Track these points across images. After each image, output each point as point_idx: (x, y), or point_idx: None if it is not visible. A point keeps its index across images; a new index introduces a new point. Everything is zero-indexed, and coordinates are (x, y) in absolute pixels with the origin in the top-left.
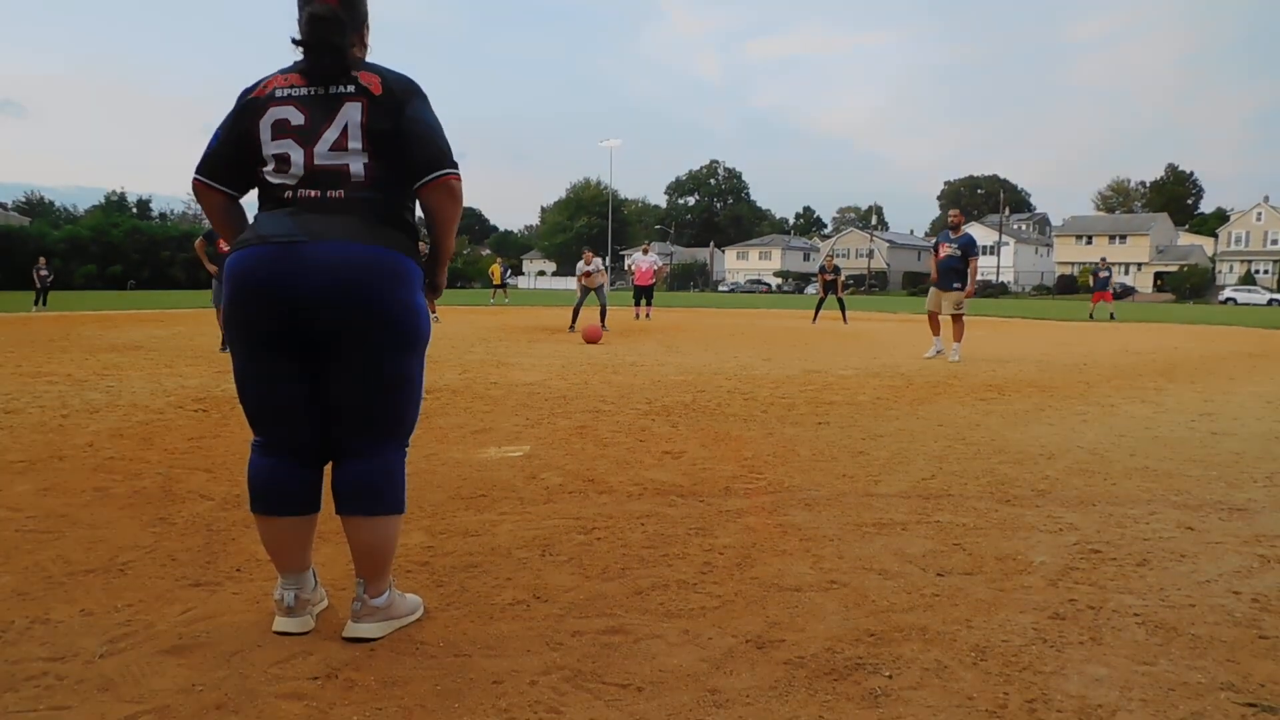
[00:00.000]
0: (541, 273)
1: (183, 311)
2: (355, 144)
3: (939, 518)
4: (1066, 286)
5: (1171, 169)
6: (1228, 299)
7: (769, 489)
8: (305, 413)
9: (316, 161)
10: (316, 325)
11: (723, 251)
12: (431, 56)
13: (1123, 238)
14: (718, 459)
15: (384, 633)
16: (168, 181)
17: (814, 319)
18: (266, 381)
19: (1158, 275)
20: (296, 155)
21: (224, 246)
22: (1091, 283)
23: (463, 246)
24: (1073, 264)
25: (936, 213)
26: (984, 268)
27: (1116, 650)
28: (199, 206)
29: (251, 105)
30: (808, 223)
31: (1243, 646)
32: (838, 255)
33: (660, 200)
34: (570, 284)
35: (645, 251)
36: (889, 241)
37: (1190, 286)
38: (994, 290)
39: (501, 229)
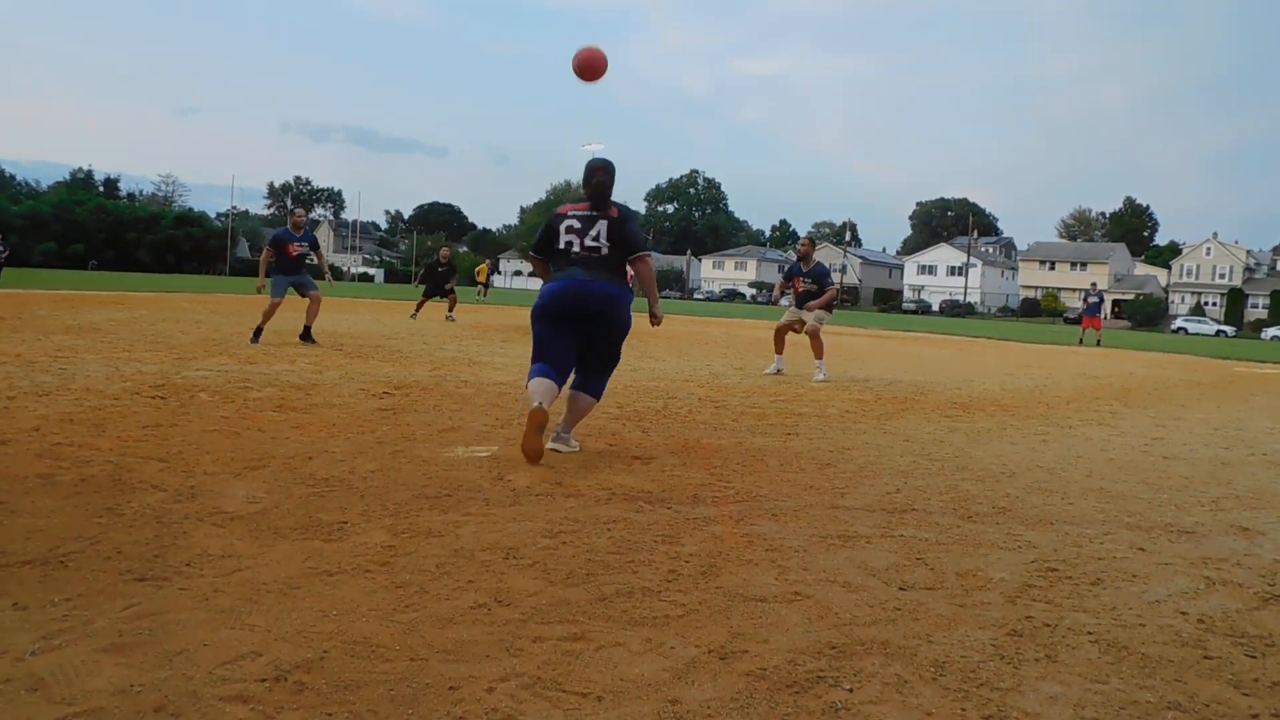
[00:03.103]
0: (518, 273)
1: (146, 295)
2: (601, 239)
3: (903, 532)
4: (1030, 309)
5: (1129, 201)
6: (1179, 328)
7: (737, 498)
8: (566, 353)
9: (585, 244)
10: (589, 319)
11: (699, 260)
12: (420, 53)
13: (1083, 265)
14: (687, 466)
15: (568, 450)
16: (138, 161)
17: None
18: (554, 337)
19: (1116, 302)
20: (575, 240)
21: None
22: (1082, 308)
23: (439, 243)
24: (1036, 288)
25: (909, 232)
26: (951, 288)
27: (1071, 668)
28: (170, 189)
29: (557, 216)
30: (784, 235)
31: (1189, 666)
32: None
33: (640, 206)
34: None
35: None
36: (862, 258)
37: (1145, 315)
38: (961, 311)
39: (480, 227)
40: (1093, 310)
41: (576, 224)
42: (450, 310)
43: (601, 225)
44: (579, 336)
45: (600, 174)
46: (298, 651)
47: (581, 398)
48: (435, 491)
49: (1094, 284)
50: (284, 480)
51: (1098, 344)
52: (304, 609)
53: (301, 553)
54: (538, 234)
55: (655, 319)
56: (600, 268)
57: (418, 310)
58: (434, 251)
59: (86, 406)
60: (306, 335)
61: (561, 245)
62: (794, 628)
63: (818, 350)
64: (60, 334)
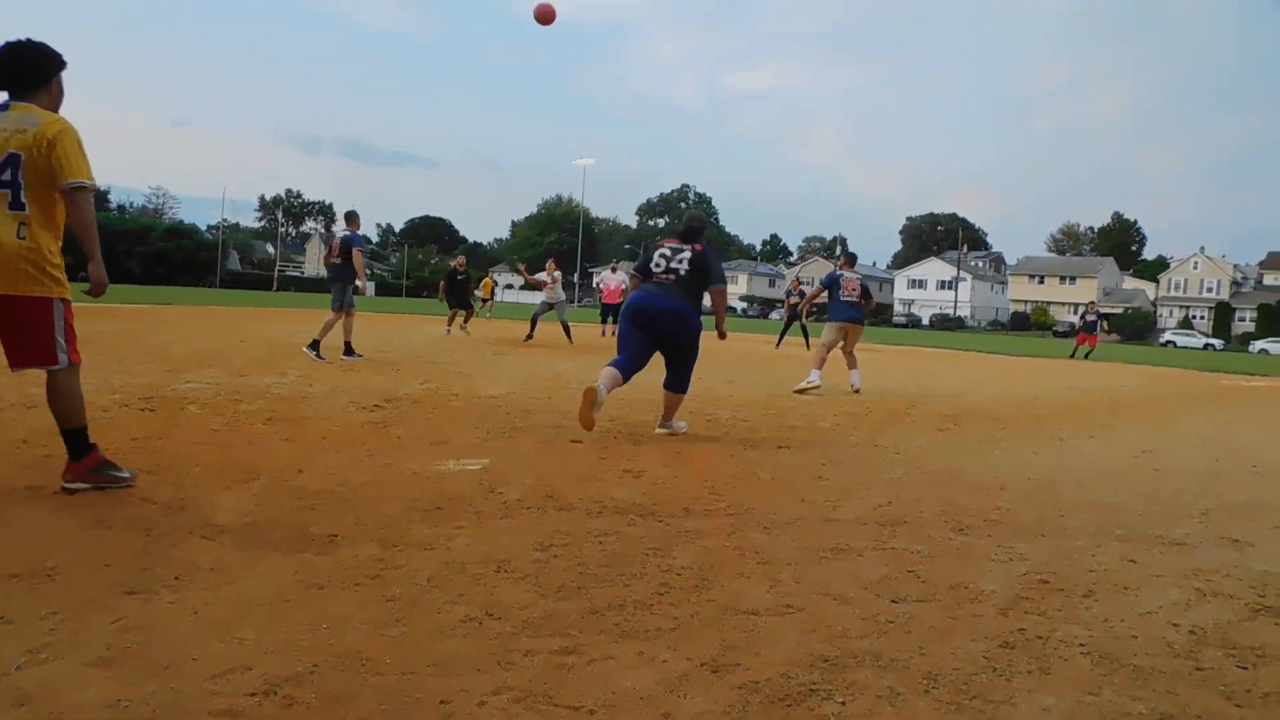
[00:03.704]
0: (509, 286)
1: (136, 307)
2: (686, 265)
3: (895, 544)
4: (1020, 323)
5: (1117, 216)
6: (1168, 341)
7: (728, 511)
8: (637, 348)
9: (670, 266)
10: (656, 325)
11: None
12: (413, 66)
13: (1072, 279)
14: (679, 479)
15: (667, 431)
16: (129, 173)
17: (778, 344)
18: (626, 334)
19: (1105, 316)
20: (663, 264)
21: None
22: (1080, 324)
23: (430, 256)
24: (1026, 301)
25: (899, 246)
26: (941, 302)
27: (1063, 680)
28: (160, 201)
29: (656, 245)
30: (774, 250)
31: (1181, 678)
32: (804, 283)
33: (631, 220)
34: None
35: (614, 270)
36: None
37: (1134, 328)
38: (951, 324)
39: (471, 240)
40: (1090, 327)
41: (668, 252)
42: (465, 322)
43: (686, 255)
44: (649, 339)
45: (695, 222)
46: (288, 665)
47: (669, 395)
48: (426, 504)
49: (1092, 302)
50: (274, 493)
51: (1086, 357)
52: (294, 622)
53: (292, 565)
54: (641, 260)
55: (721, 335)
56: (672, 287)
57: (450, 324)
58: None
59: None
60: (315, 347)
61: (652, 266)
62: (786, 640)
63: (853, 361)
64: None
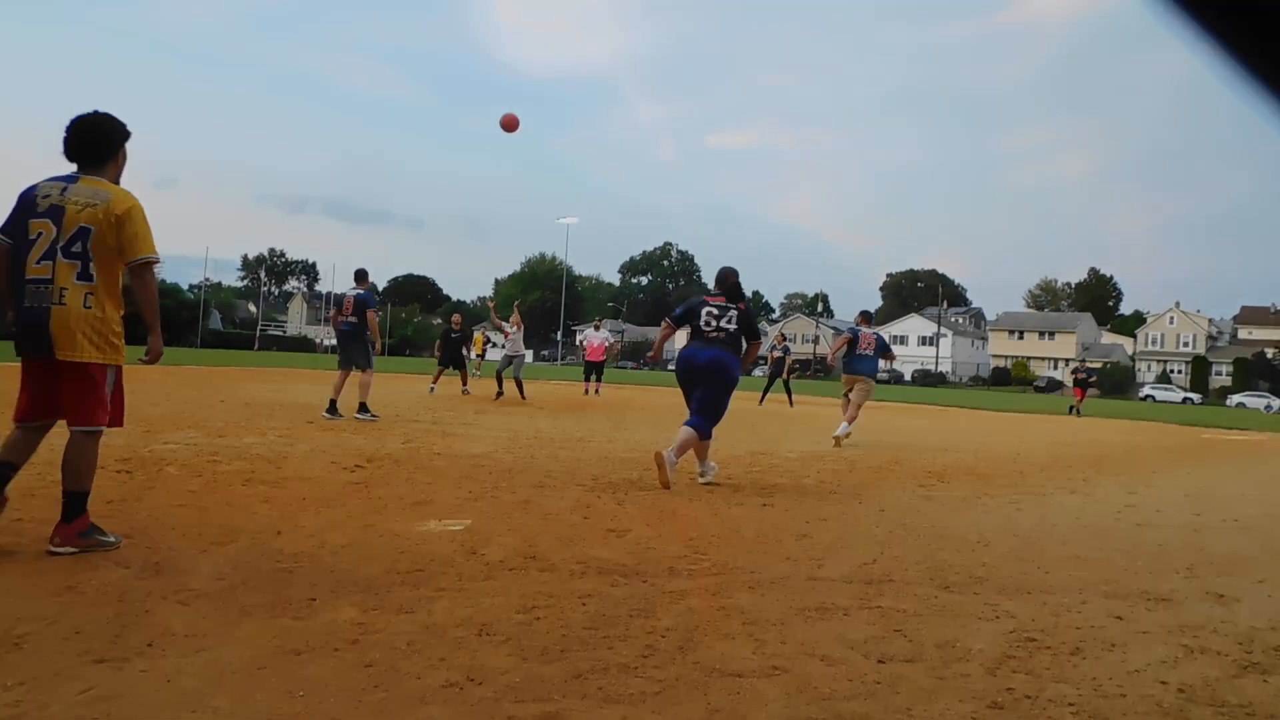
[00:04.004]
0: (491, 344)
1: None
2: (734, 324)
3: (880, 603)
4: (1001, 378)
5: (1094, 272)
6: (1147, 396)
7: (713, 570)
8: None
9: (720, 324)
10: (701, 373)
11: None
12: (398, 127)
13: (1051, 334)
14: (662, 538)
15: (710, 477)
16: None
17: (761, 401)
18: (686, 390)
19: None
20: (712, 322)
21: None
22: (1073, 380)
23: (414, 315)
24: (1006, 357)
25: (880, 302)
26: (922, 358)
27: None
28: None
29: (699, 302)
30: (757, 307)
31: None
32: (788, 339)
33: (614, 278)
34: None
35: (597, 327)
36: (834, 329)
37: (1114, 382)
38: (932, 380)
39: (454, 299)
40: (1082, 383)
41: (716, 311)
42: (464, 383)
43: (733, 314)
44: (700, 384)
45: (733, 277)
46: None
47: (684, 430)
48: (407, 566)
49: (1083, 360)
50: (251, 556)
51: (1077, 412)
52: (270, 689)
53: (268, 631)
54: (678, 309)
55: (744, 371)
56: (719, 342)
57: (435, 382)
58: (408, 322)
59: (49, 481)
60: (334, 409)
61: (701, 323)
62: (773, 703)
63: (855, 415)
64: None
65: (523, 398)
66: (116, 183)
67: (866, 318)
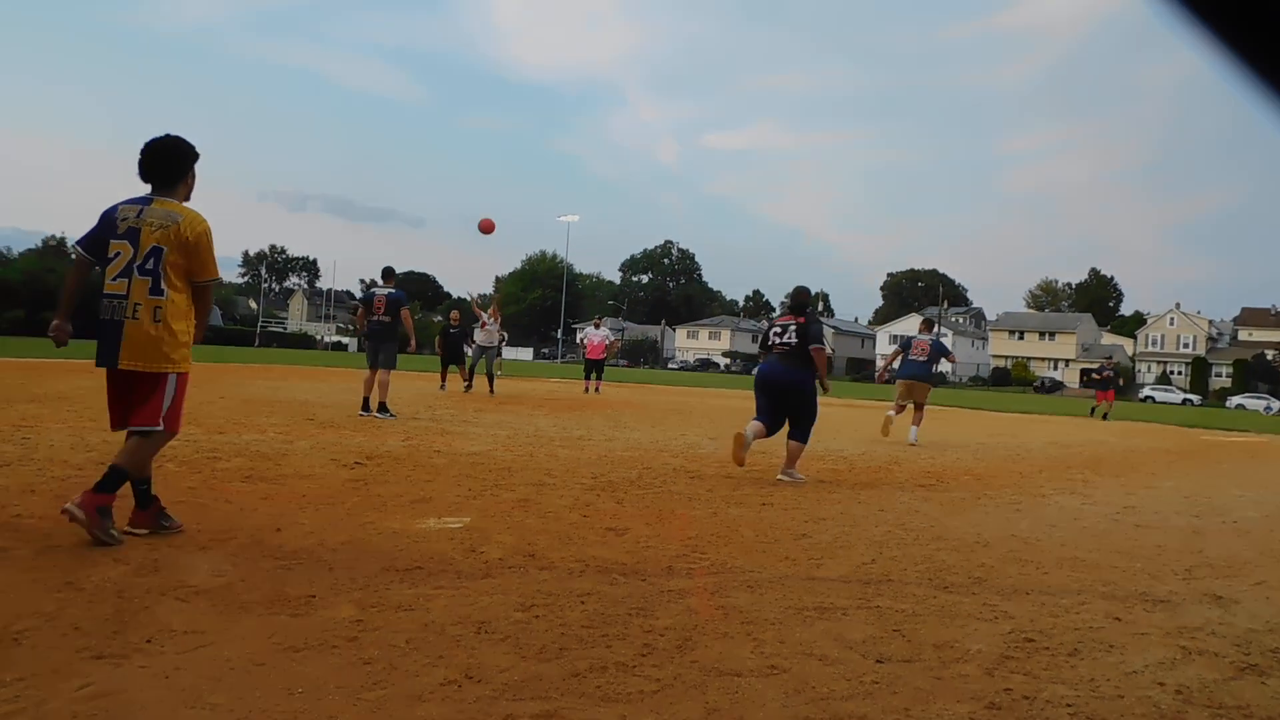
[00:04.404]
0: (505, 340)
1: None
2: (794, 337)
3: (879, 603)
4: (1001, 378)
5: (1094, 272)
6: (1146, 397)
7: (712, 569)
8: (768, 409)
9: (782, 340)
10: (777, 390)
11: (674, 330)
12: (401, 126)
13: (1052, 335)
14: (661, 537)
15: (793, 481)
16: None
17: None
18: (759, 399)
19: (1083, 372)
20: (779, 339)
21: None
22: (1096, 380)
23: (415, 312)
24: (1006, 357)
25: (880, 302)
26: None
27: None
28: None
29: (771, 323)
30: (757, 305)
31: None
32: None
33: (615, 276)
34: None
35: (597, 325)
36: (834, 328)
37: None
38: (933, 381)
39: (456, 296)
40: (1104, 385)
41: (779, 329)
42: (466, 380)
43: (793, 327)
44: (775, 401)
45: (800, 296)
46: None
47: (791, 444)
48: (406, 564)
49: (1109, 357)
50: (251, 553)
51: (1104, 417)
52: (269, 687)
53: (267, 628)
54: (761, 334)
55: (824, 389)
56: (788, 356)
57: (445, 380)
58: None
59: (49, 477)
60: (368, 407)
61: (770, 342)
62: (770, 703)
63: (920, 418)
64: (25, 403)
65: (490, 392)
66: (187, 201)
67: (929, 324)
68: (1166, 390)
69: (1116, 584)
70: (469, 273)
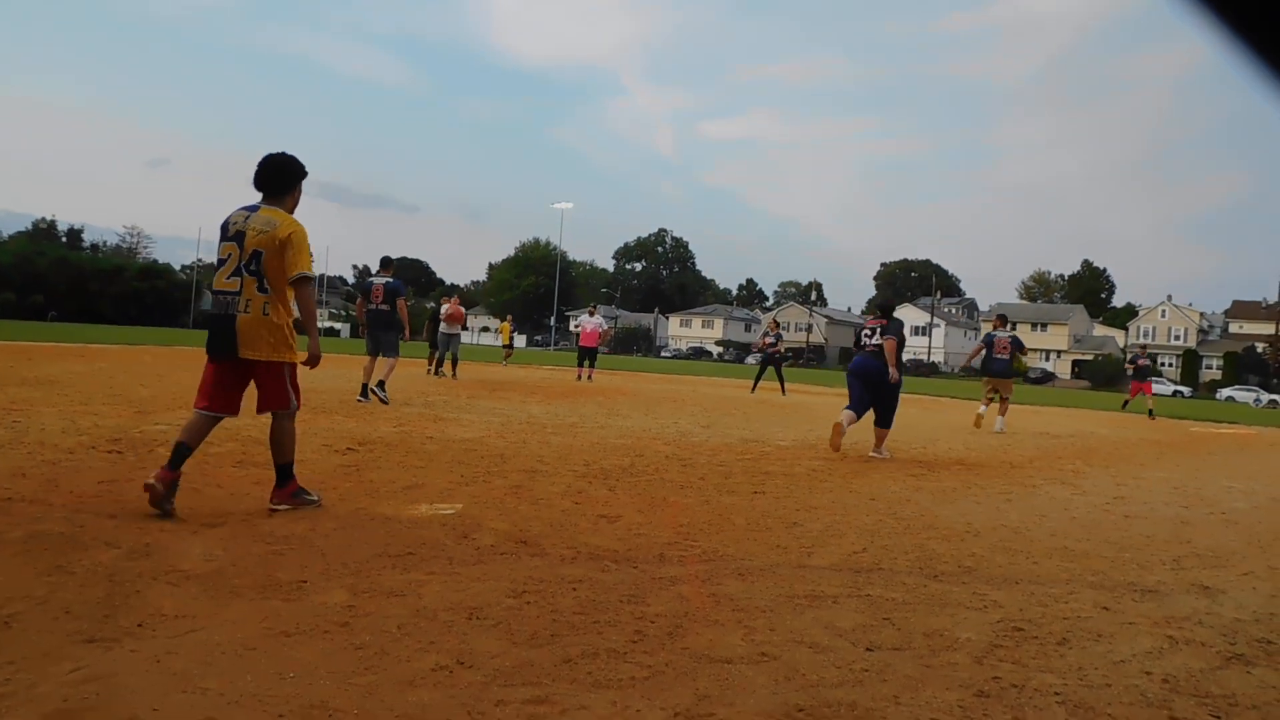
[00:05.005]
0: (485, 329)
1: (107, 347)
2: (878, 338)
3: (869, 591)
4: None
5: (1087, 264)
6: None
7: (704, 557)
8: (858, 397)
9: (872, 341)
10: (866, 379)
11: (667, 318)
12: (395, 112)
13: (1044, 326)
14: (654, 525)
15: (881, 458)
16: (104, 212)
17: (753, 389)
18: (854, 389)
19: (1075, 363)
20: (869, 339)
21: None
22: (1129, 371)
23: (408, 299)
24: None
25: (872, 291)
26: (915, 348)
27: None
28: (135, 240)
29: (862, 326)
30: (750, 294)
31: None
32: (781, 326)
33: (608, 264)
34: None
35: (592, 313)
36: (827, 317)
37: (1104, 375)
38: (924, 370)
39: (448, 283)
40: (1142, 374)
41: (869, 330)
42: (453, 367)
43: (878, 328)
44: (866, 390)
45: (888, 303)
46: (252, 717)
47: (878, 429)
48: (398, 550)
49: (1142, 345)
50: (242, 538)
51: (1150, 414)
52: (260, 671)
53: (258, 613)
54: (855, 335)
55: (894, 375)
56: (875, 353)
57: (431, 366)
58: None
59: (40, 461)
60: (366, 394)
61: (862, 341)
62: (761, 690)
63: (1005, 409)
64: (15, 386)
65: (453, 376)
66: (291, 212)
67: (1003, 320)
68: (1158, 382)
69: (1105, 574)
70: (463, 259)
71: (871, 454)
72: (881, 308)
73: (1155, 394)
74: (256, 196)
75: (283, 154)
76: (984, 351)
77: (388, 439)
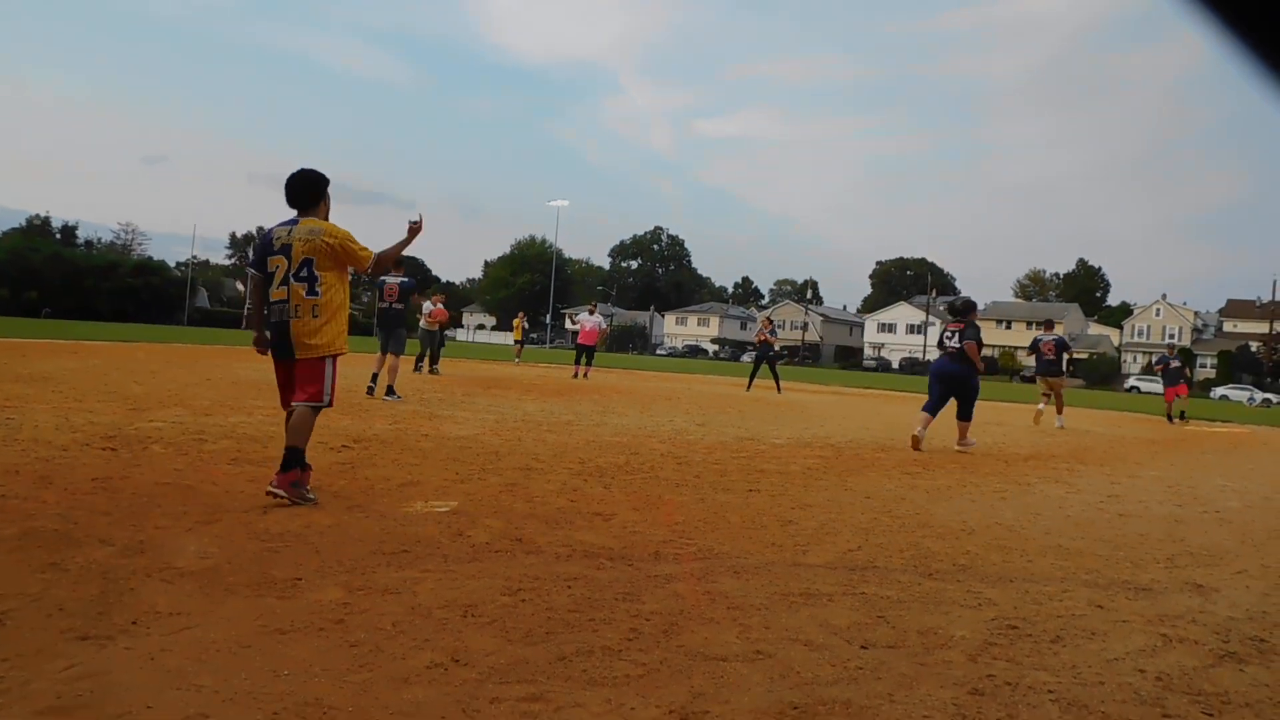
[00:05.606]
0: (481, 326)
1: (101, 344)
2: (957, 341)
3: (864, 590)
4: (988, 367)
5: (1082, 263)
6: (1132, 387)
7: (699, 555)
8: (936, 397)
9: (953, 343)
10: (948, 380)
11: (663, 316)
12: (392, 109)
13: (1039, 324)
14: (649, 523)
15: (965, 448)
16: (98, 209)
17: (748, 387)
18: (934, 389)
19: (1071, 361)
20: (950, 342)
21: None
22: (1159, 373)
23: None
24: (994, 346)
25: (869, 290)
26: (910, 346)
27: None
28: (130, 237)
29: (944, 328)
30: (746, 292)
31: None
32: (775, 324)
33: (604, 262)
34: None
35: (592, 311)
36: (823, 316)
37: (1099, 374)
38: (920, 368)
39: (444, 280)
40: (1174, 377)
41: (949, 334)
42: (435, 363)
43: (958, 331)
44: (946, 388)
45: (967, 304)
46: (247, 714)
47: (960, 423)
48: (393, 548)
49: (1171, 345)
50: (237, 535)
51: (1182, 416)
52: (254, 669)
53: (253, 610)
54: (938, 339)
55: (979, 370)
56: (955, 355)
57: (419, 362)
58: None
59: (33, 458)
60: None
61: (943, 344)
62: (755, 687)
63: (1061, 406)
64: (9, 383)
65: (433, 372)
66: (326, 218)
67: (1049, 325)
68: (1152, 380)
69: (1099, 572)
70: (458, 256)
71: (957, 447)
72: (960, 311)
73: (1152, 393)
74: (257, 201)
75: (304, 170)
76: (1034, 355)
77: (383, 436)
